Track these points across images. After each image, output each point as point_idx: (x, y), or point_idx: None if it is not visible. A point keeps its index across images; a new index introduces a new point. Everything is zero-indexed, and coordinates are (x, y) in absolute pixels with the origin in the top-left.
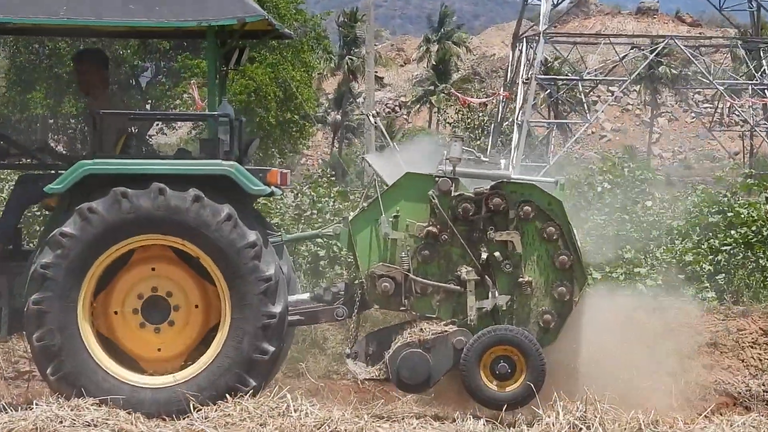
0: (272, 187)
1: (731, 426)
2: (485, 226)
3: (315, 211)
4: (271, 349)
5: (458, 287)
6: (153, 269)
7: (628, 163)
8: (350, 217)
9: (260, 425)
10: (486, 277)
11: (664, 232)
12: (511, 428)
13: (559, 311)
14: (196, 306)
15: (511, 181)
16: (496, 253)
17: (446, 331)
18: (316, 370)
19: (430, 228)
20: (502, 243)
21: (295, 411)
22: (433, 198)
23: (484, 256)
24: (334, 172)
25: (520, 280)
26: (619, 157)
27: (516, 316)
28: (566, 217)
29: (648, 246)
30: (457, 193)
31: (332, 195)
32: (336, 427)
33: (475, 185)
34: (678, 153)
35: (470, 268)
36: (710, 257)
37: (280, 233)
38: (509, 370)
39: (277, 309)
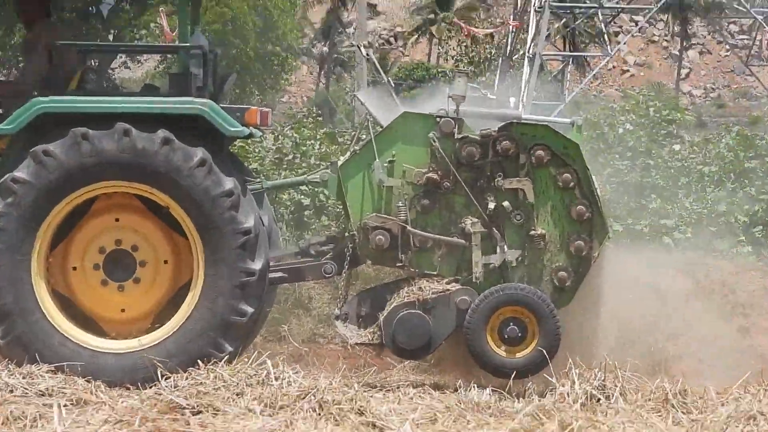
0: (251, 128)
1: None
2: (493, 172)
3: (298, 155)
4: (250, 310)
5: (462, 241)
6: (117, 220)
7: (654, 102)
8: (340, 162)
9: (237, 395)
10: (493, 229)
11: (694, 179)
12: (521, 399)
13: (576, 268)
14: (165, 261)
15: (522, 121)
16: (505, 203)
17: (448, 289)
18: (300, 333)
19: (430, 174)
20: (512, 191)
21: (276, 379)
22: (434, 141)
23: (491, 205)
24: (320, 112)
25: (532, 232)
26: (644, 95)
27: (527, 274)
28: (584, 161)
29: (676, 195)
30: (460, 135)
31: (318, 137)
32: (322, 397)
33: (481, 126)
34: (710, 90)
35: (476, 220)
36: (746, 207)
37: (259, 180)
38: (519, 334)
39: (256, 265)
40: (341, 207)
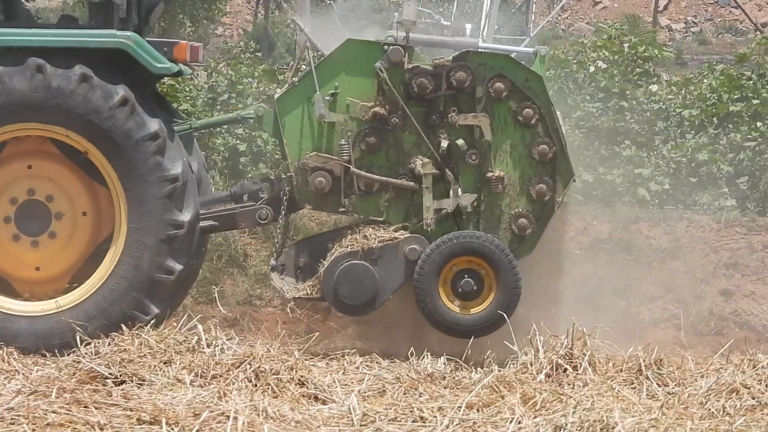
0: (180, 65)
1: (754, 367)
2: (446, 106)
3: (234, 95)
4: (178, 267)
5: (411, 183)
6: (29, 167)
7: (629, 37)
8: (276, 96)
9: (164, 363)
10: (446, 170)
11: (672, 123)
12: (479, 369)
13: (538, 214)
14: (84, 213)
15: (479, 50)
16: (460, 141)
17: (396, 238)
18: (235, 295)
19: (376, 109)
20: (467, 128)
21: (209, 346)
22: (382, 71)
23: (444, 144)
24: (258, 46)
25: (489, 174)
26: (617, 29)
27: (484, 220)
28: (547, 95)
29: (652, 141)
30: (411, 65)
31: (256, 75)
32: (259, 366)
33: (433, 56)
34: (691, 24)
35: (427, 160)
36: (730, 155)
37: (188, 121)
38: (475, 288)
39: (185, 217)
40: (279, 146)
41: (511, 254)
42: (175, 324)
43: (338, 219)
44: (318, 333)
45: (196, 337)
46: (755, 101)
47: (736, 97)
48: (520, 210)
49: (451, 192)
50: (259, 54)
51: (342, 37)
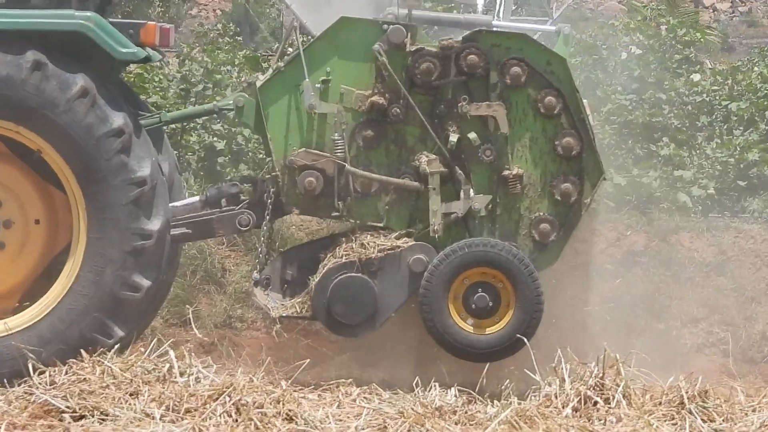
0: (148, 50)
1: None
2: (455, 94)
3: (210, 85)
4: (146, 283)
5: (416, 183)
6: None
7: (667, 18)
8: (259, 83)
9: (130, 395)
10: (456, 168)
11: (718, 118)
12: (496, 401)
13: (563, 218)
14: (37, 221)
15: (493, 30)
16: (471, 134)
17: (399, 246)
18: (212, 316)
19: (375, 98)
20: (480, 119)
21: (182, 375)
22: (381, 54)
23: (453, 138)
24: (239, 29)
25: (506, 173)
26: (654, 9)
27: (500, 226)
28: (572, 81)
29: (694, 139)
30: (414, 47)
31: (236, 62)
32: (240, 398)
33: (440, 36)
34: (739, 3)
35: (433, 157)
36: None
37: (158, 114)
38: (490, 304)
39: (153, 225)
40: (262, 142)
41: (531, 265)
42: (142, 349)
43: (331, 226)
44: (309, 360)
45: (168, 365)
46: None
47: None
48: (542, 214)
49: (461, 193)
50: (240, 38)
51: (335, 15)
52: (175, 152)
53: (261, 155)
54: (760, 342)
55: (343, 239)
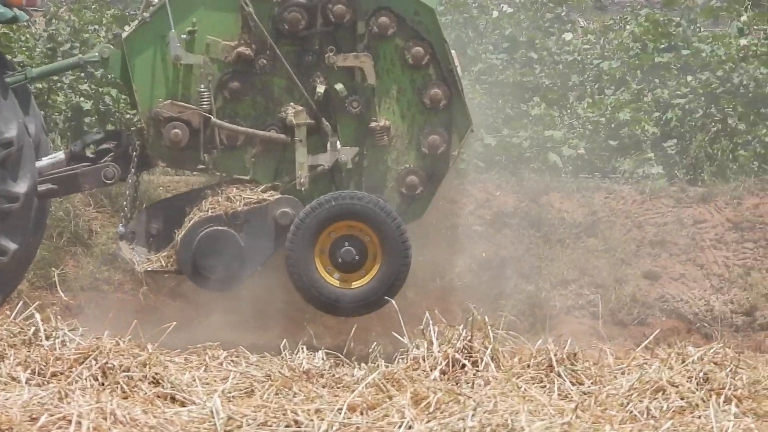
0: (15, 10)
1: (683, 362)
2: (322, 45)
3: (78, 45)
4: (12, 246)
5: (282, 136)
6: None
7: None
8: (125, 34)
9: None
10: (323, 120)
11: (589, 77)
12: (363, 364)
13: (430, 170)
14: None
15: None
16: (339, 86)
17: (265, 199)
18: (78, 278)
19: (241, 49)
20: (347, 70)
21: (48, 338)
22: (247, 4)
23: (320, 89)
24: None
25: (373, 124)
26: None
27: (367, 178)
28: (441, 32)
29: (566, 98)
30: None
31: (104, 21)
32: (107, 362)
33: None
34: None
35: (300, 108)
36: (656, 115)
37: (23, 71)
38: (357, 257)
39: (20, 188)
40: (129, 98)
41: (398, 218)
42: (8, 313)
43: (198, 178)
44: (175, 323)
45: (33, 328)
46: (685, 51)
47: (663, 46)
48: (410, 166)
49: (328, 145)
50: None
51: None
52: (42, 112)
53: (129, 116)
54: (630, 304)
55: (209, 192)
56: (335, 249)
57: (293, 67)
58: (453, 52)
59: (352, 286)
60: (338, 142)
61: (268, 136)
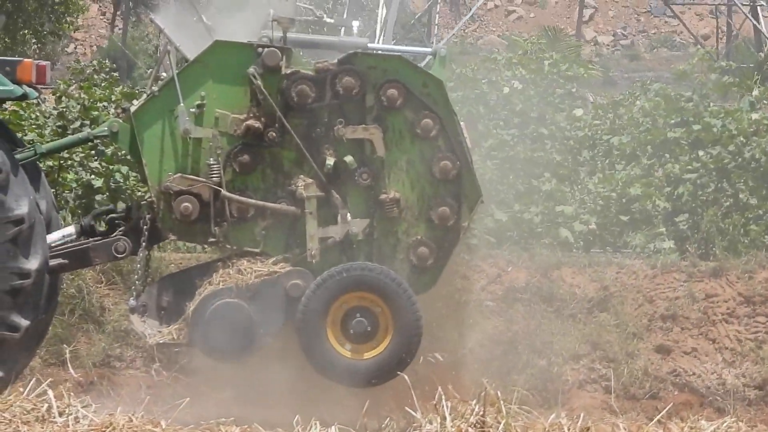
0: (24, 87)
1: None
2: (331, 118)
3: (87, 122)
4: (24, 323)
5: (292, 208)
6: None
7: (549, 53)
8: (133, 108)
9: None
10: (333, 192)
11: (599, 153)
12: None
13: (440, 242)
14: None
15: (369, 51)
16: (348, 158)
17: (276, 272)
18: (90, 355)
19: (250, 122)
20: (357, 143)
21: (61, 414)
22: (255, 77)
23: (330, 162)
24: (115, 65)
25: (383, 196)
26: (535, 43)
27: (377, 250)
28: (449, 103)
29: (576, 174)
30: (289, 70)
31: (113, 98)
32: None
33: (316, 58)
34: (621, 37)
35: (310, 181)
36: (667, 190)
37: (32, 147)
38: (369, 328)
39: (32, 265)
40: (139, 173)
41: (409, 289)
42: (21, 389)
43: (207, 251)
44: (188, 399)
45: (46, 405)
46: (696, 126)
47: (673, 121)
48: (420, 237)
49: (338, 218)
50: (117, 74)
51: (209, 39)
52: (52, 190)
53: (140, 192)
54: (642, 378)
55: (220, 265)
56: (347, 320)
57: (302, 140)
58: (462, 123)
59: (364, 357)
60: (348, 214)
61: (278, 208)
